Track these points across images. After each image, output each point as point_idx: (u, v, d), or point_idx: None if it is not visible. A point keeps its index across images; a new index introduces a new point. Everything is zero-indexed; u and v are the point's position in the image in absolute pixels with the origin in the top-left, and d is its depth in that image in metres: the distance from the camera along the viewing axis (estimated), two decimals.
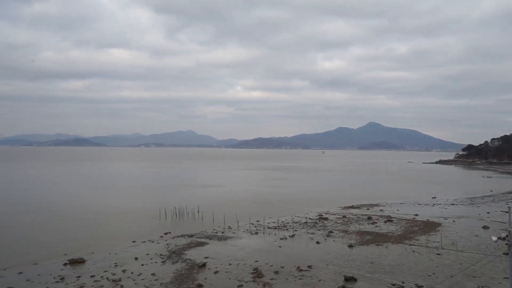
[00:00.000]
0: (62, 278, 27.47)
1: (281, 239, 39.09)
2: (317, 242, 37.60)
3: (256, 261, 30.89)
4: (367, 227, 45.14)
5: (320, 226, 45.76)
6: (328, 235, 40.58)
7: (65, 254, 33.68)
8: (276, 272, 28.17)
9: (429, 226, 45.13)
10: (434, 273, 27.98)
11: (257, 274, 27.84)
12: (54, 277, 27.72)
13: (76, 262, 31.28)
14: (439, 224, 46.24)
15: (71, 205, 62.34)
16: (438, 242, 36.89)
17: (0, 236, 41.30)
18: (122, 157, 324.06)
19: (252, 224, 46.60)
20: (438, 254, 33.08)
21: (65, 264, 30.86)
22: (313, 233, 41.82)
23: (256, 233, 42.18)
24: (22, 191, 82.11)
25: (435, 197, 73.75)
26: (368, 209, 59.48)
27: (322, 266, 29.69)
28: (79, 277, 27.75)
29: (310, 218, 50.61)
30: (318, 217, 52.02)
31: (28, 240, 39.37)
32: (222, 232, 42.58)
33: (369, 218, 50.59)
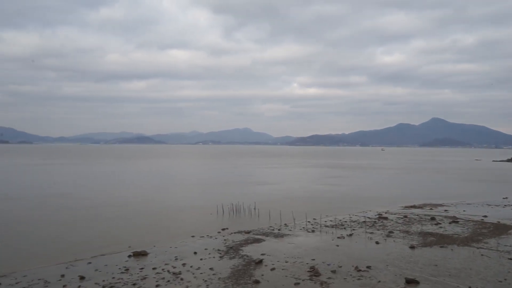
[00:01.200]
0: (127, 269, 28.88)
1: (338, 238, 38.37)
2: (377, 242, 36.46)
3: (313, 260, 30.56)
4: (430, 228, 43.03)
5: (380, 225, 44.34)
6: (388, 235, 39.21)
7: (129, 247, 35.40)
8: (334, 272, 27.68)
9: (500, 229, 42.12)
10: (505, 279, 26.06)
11: (314, 272, 27.53)
12: (120, 268, 29.22)
13: (140, 254, 32.77)
14: (511, 227, 43.05)
15: (135, 200, 65.42)
16: (511, 246, 34.35)
17: (71, 228, 44.25)
18: (181, 155, 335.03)
19: (308, 222, 46.19)
20: (511, 259, 30.79)
21: (129, 256, 32.43)
22: (372, 232, 40.62)
23: (313, 231, 41.74)
24: (91, 186, 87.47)
25: (506, 198, 68.70)
26: (431, 209, 56.70)
27: (382, 267, 28.74)
28: (142, 268, 29.04)
29: (369, 217, 49.21)
30: (377, 216, 50.44)
31: (96, 233, 41.84)
32: (279, 230, 42.61)
33: (433, 218, 48.19)
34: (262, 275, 27.20)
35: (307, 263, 29.70)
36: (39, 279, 26.77)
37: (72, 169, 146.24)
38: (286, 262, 30.22)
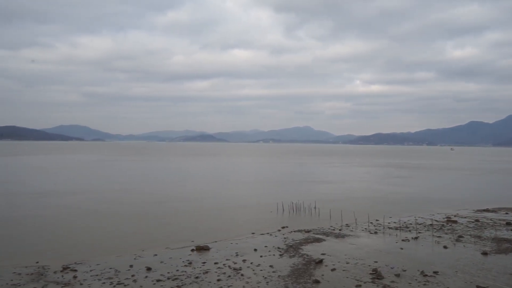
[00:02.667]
0: (190, 263, 29.89)
1: (403, 240, 36.87)
2: (445, 247, 34.55)
3: (376, 262, 29.65)
4: (506, 233, 39.95)
5: (448, 229, 41.96)
6: (457, 240, 36.99)
7: (192, 241, 36.60)
8: (398, 275, 26.65)
9: None
10: None
11: (376, 275, 26.69)
12: (183, 261, 30.31)
13: (202, 249, 33.77)
14: None
15: (198, 196, 67.50)
16: None
17: (137, 222, 46.64)
18: (242, 153, 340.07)
19: (371, 223, 44.86)
20: None
21: (192, 250, 33.53)
22: (439, 236, 38.56)
23: (376, 232, 40.49)
24: (156, 182, 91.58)
25: None
26: (507, 213, 52.62)
27: (450, 273, 27.19)
28: (204, 263, 29.90)
29: (436, 220, 46.75)
30: (445, 219, 47.78)
31: (161, 227, 43.76)
32: (340, 230, 41.84)
33: (509, 223, 44.68)
34: (322, 275, 26.88)
35: (369, 265, 28.88)
36: (110, 268, 28.51)
37: (139, 165, 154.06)
38: (347, 263, 29.60)
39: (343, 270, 27.87)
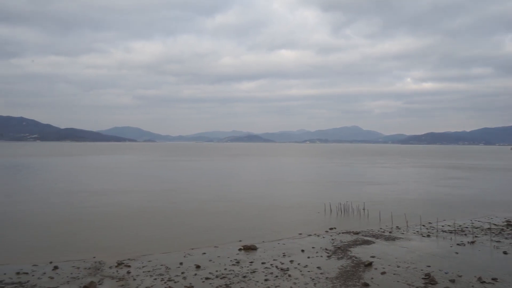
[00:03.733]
0: (238, 262, 30.24)
1: (458, 244, 35.18)
2: (504, 252, 32.58)
3: (428, 266, 28.51)
4: None
5: (508, 234, 39.50)
6: None
7: (240, 241, 37.01)
8: (452, 281, 25.46)
9: None
10: None
11: (429, 280, 25.64)
12: (231, 260, 30.71)
13: (249, 248, 34.05)
14: None
15: (245, 196, 68.15)
16: None
17: (187, 220, 47.83)
18: (289, 153, 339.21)
19: (423, 226, 43.20)
20: None
21: (239, 250, 33.90)
22: (498, 241, 36.41)
23: (428, 235, 38.92)
24: (204, 181, 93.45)
25: None
26: None
27: (511, 281, 25.60)
28: (251, 262, 30.13)
29: (495, 224, 44.17)
30: (505, 223, 45.03)
31: (210, 225, 44.57)
32: (390, 232, 40.64)
33: None
34: (372, 278, 26.23)
35: (421, 270, 27.82)
36: (161, 265, 29.47)
37: (188, 165, 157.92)
38: (398, 266, 28.69)
39: (394, 274, 27.05)
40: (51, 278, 26.53)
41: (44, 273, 27.55)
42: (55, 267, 28.73)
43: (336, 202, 55.73)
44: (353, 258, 30.98)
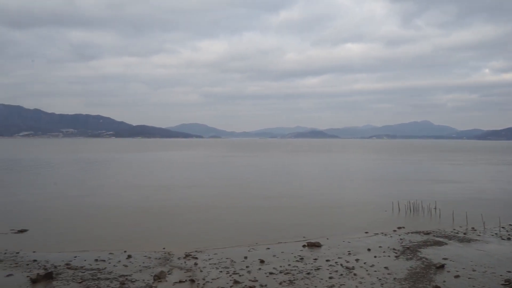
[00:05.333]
0: (302, 258, 30.08)
1: None
2: None
3: (509, 272, 26.31)
4: None
5: None
6: None
7: (304, 237, 36.79)
8: None
9: None
10: None
11: (510, 287, 23.71)
12: (295, 256, 30.62)
13: (314, 245, 33.71)
14: None
15: (309, 192, 67.70)
16: None
17: (250, 215, 48.48)
18: (354, 149, 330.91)
19: (503, 228, 40.02)
20: None
21: (303, 246, 33.69)
22: None
23: (509, 239, 35.97)
24: (268, 177, 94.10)
25: None
26: None
27: None
28: (316, 259, 29.82)
29: None
30: None
31: (273, 221, 44.84)
32: (464, 233, 38.15)
33: None
34: (444, 281, 24.79)
35: (500, 275, 25.78)
36: (226, 258, 30.15)
37: (251, 161, 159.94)
38: (474, 270, 26.84)
39: (469, 278, 25.34)
40: (125, 266, 28.23)
41: (119, 261, 29.37)
42: (129, 256, 30.52)
43: (404, 200, 53.42)
44: (424, 259, 29.49)
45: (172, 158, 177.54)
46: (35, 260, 29.27)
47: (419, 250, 32.19)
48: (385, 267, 27.66)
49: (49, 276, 25.02)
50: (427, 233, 38.22)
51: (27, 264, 28.37)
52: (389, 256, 30.66)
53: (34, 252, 31.72)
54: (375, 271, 27.01)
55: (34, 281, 24.40)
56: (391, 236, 37.44)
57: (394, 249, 32.62)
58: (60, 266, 27.88)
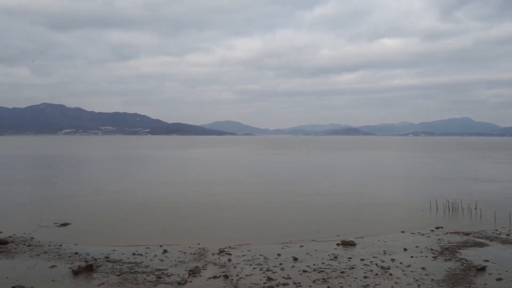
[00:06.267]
0: (336, 257, 29.79)
1: None
2: None
3: None
4: None
5: None
6: None
7: (338, 235, 36.41)
8: None
9: None
10: None
11: None
12: (329, 255, 30.36)
13: (348, 244, 33.30)
14: None
15: (343, 190, 66.83)
16: None
17: (285, 213, 48.42)
18: (390, 146, 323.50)
19: None
20: None
21: (337, 244, 33.34)
22: None
23: None
24: (301, 174, 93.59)
25: None
26: None
27: None
28: (350, 258, 29.44)
29: None
30: None
31: (309, 219, 44.62)
32: (507, 235, 36.54)
33: None
34: (485, 284, 23.88)
35: None
36: (260, 255, 30.29)
37: (285, 158, 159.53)
38: None
39: None
40: (161, 260, 28.92)
41: (155, 255, 30.13)
42: (165, 251, 31.24)
43: (442, 199, 51.79)
44: (463, 260, 28.52)
45: (206, 155, 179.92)
46: (76, 253, 30.51)
47: (458, 251, 31.15)
48: (422, 268, 26.95)
49: (89, 268, 26.00)
50: (467, 234, 36.91)
51: (69, 256, 29.61)
52: (426, 256, 29.86)
53: (75, 245, 33.07)
54: (412, 271, 26.38)
55: (75, 272, 25.39)
56: (428, 236, 36.42)
57: (431, 249, 31.73)
58: (99, 259, 28.93)
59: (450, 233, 37.52)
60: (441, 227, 39.93)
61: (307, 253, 30.79)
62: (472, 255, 29.93)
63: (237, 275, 25.69)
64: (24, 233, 36.57)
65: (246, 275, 25.71)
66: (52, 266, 27.14)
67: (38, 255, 30.01)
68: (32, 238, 35.13)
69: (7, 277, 24.64)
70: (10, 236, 35.17)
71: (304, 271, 26.53)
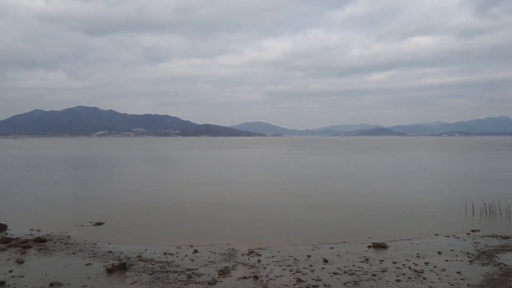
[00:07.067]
0: (367, 259, 29.28)
1: None
2: None
3: None
4: None
5: None
6: None
7: (369, 237, 35.77)
8: None
9: None
10: None
11: None
12: (360, 257, 29.86)
13: (379, 246, 32.65)
14: None
15: (373, 191, 65.64)
16: None
17: (316, 213, 47.99)
18: (423, 147, 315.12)
19: None
20: None
21: (369, 247, 32.75)
22: None
23: None
24: (331, 176, 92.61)
25: None
26: None
27: None
28: (382, 261, 28.87)
29: None
30: None
31: (338, 220, 44.12)
32: None
33: None
34: None
35: None
36: (289, 256, 30.15)
37: (314, 159, 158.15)
38: None
39: None
40: (192, 260, 29.28)
41: (186, 255, 30.54)
42: (195, 251, 31.61)
43: (479, 201, 49.98)
44: (502, 265, 27.41)
45: (235, 156, 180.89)
46: (110, 251, 31.31)
47: (497, 255, 29.97)
48: (458, 272, 26.09)
49: (122, 267, 26.63)
50: (506, 238, 35.46)
51: (103, 255, 30.43)
52: (462, 260, 28.89)
53: (109, 243, 33.94)
54: (447, 275, 25.58)
55: (109, 270, 26.06)
56: (464, 240, 35.23)
57: (467, 253, 30.68)
58: (132, 258, 29.58)
59: (487, 236, 36.18)
60: (478, 230, 38.54)
61: (338, 255, 30.40)
62: (511, 259, 28.73)
63: (267, 276, 25.65)
64: (61, 232, 37.86)
65: (275, 276, 25.63)
66: (87, 264, 27.95)
67: (74, 253, 31.00)
68: (69, 236, 36.32)
69: (46, 274, 25.57)
70: (48, 234, 36.52)
71: (335, 273, 26.20)
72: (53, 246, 32.77)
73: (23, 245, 32.21)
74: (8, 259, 28.65)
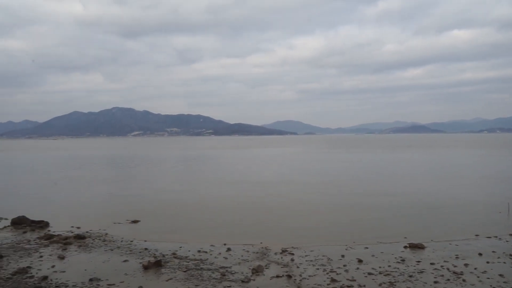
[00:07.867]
0: (403, 260, 28.59)
1: None
2: None
3: None
4: None
5: None
6: None
7: (405, 237, 34.90)
8: None
9: None
10: None
11: None
12: (396, 257, 29.20)
13: (416, 247, 31.80)
14: None
15: (410, 191, 64.00)
16: None
17: (349, 213, 47.31)
18: (462, 144, 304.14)
19: None
20: None
21: (405, 247, 31.97)
22: None
23: None
24: (365, 175, 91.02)
25: None
26: None
27: None
28: (418, 262, 28.11)
29: None
30: None
31: (372, 220, 43.23)
32: None
33: None
34: None
35: None
36: (323, 256, 29.88)
37: (347, 157, 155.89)
38: None
39: None
40: (225, 258, 29.55)
41: (220, 253, 30.84)
42: (228, 249, 31.87)
43: None
44: None
45: (267, 155, 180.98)
46: (146, 249, 32.08)
47: None
48: (500, 275, 25.02)
49: (158, 264, 27.22)
50: None
51: (140, 252, 31.21)
52: (504, 262, 27.70)
53: (145, 241, 34.77)
54: (488, 278, 24.59)
55: (145, 267, 26.70)
56: (507, 241, 33.75)
57: (510, 255, 29.37)
58: (167, 255, 30.18)
59: None
60: None
61: (372, 255, 29.84)
62: None
63: (300, 275, 25.52)
64: (100, 229, 39.13)
65: (309, 276, 25.46)
66: (125, 261, 28.74)
67: (112, 249, 31.95)
68: (107, 233, 37.48)
69: (85, 270, 26.50)
70: (87, 232, 37.83)
71: (370, 273, 25.74)
72: (92, 243, 33.92)
73: (64, 241, 33.53)
74: (50, 255, 29.93)
